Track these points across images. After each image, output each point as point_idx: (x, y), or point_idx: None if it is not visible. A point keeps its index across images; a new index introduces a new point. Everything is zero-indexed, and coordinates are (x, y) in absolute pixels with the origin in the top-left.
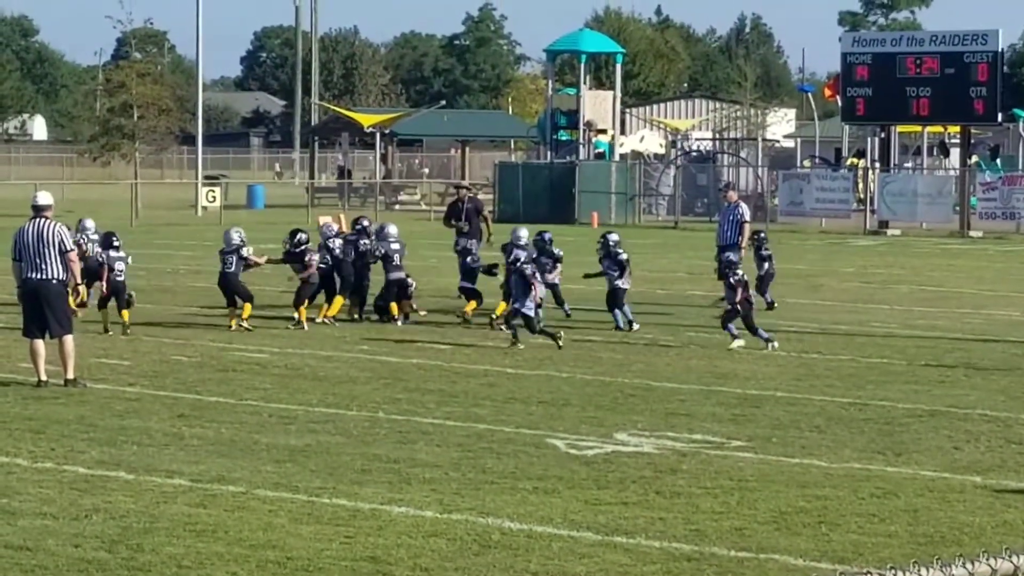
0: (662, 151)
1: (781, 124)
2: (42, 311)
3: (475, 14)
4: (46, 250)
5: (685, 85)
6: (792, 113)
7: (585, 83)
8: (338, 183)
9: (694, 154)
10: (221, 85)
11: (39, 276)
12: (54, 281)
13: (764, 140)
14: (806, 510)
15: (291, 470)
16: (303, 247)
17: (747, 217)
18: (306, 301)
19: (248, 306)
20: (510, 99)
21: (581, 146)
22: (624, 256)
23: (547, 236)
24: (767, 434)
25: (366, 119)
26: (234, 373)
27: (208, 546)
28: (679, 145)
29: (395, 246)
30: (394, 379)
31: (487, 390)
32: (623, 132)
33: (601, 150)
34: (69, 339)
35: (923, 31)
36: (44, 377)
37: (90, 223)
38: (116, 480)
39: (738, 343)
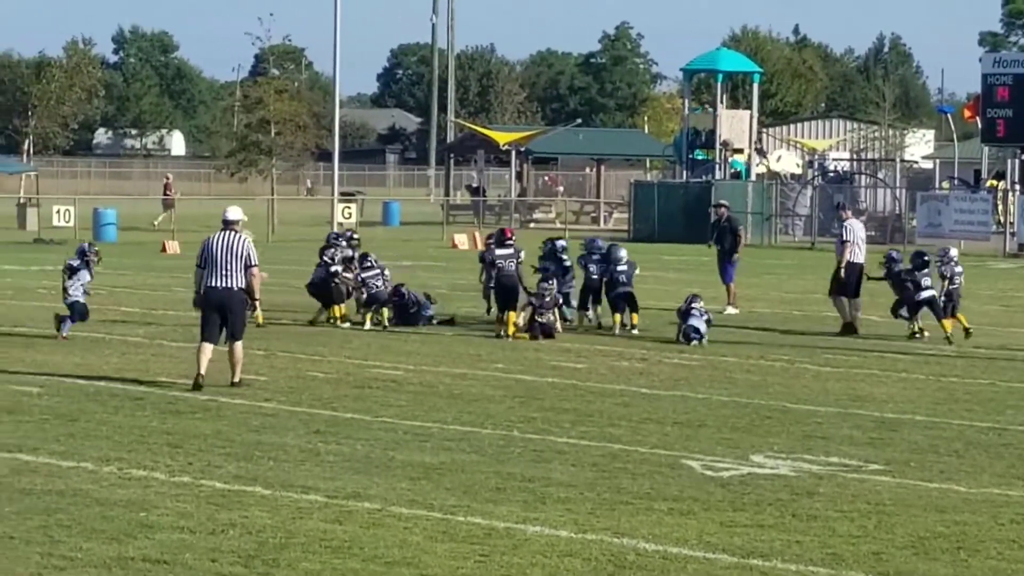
0: (799, 171)
1: (919, 145)
2: (225, 317)
3: (612, 32)
4: (233, 261)
5: (823, 105)
6: (931, 134)
7: (722, 102)
8: (472, 201)
9: (831, 175)
10: (357, 102)
11: (224, 284)
12: (236, 289)
13: (902, 161)
14: (944, 535)
15: (426, 487)
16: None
17: (845, 236)
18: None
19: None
20: (646, 118)
21: (717, 166)
22: (568, 263)
23: (559, 244)
24: (905, 458)
25: (502, 137)
26: (370, 390)
27: (344, 562)
28: (816, 165)
29: (622, 267)
30: (529, 398)
31: (622, 410)
32: (763, 154)
33: (737, 169)
34: (240, 345)
35: None
36: (203, 371)
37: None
38: (253, 495)
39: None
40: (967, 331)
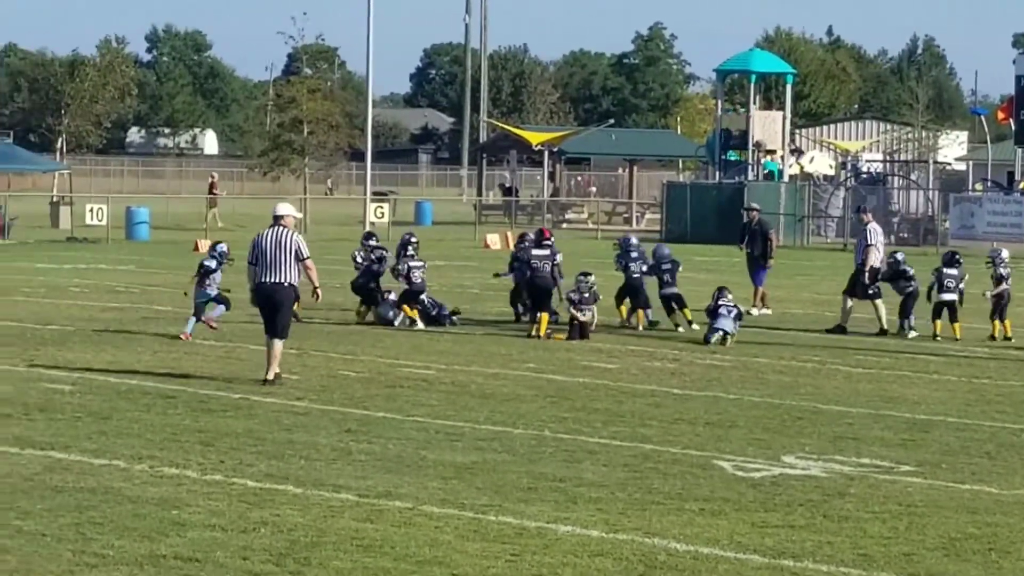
0: (831, 172)
1: (953, 147)
2: (272, 313)
3: (645, 33)
4: (282, 256)
5: (856, 106)
6: (964, 136)
7: (755, 103)
8: (504, 201)
9: (864, 176)
10: (390, 101)
11: (273, 280)
12: (286, 285)
13: (935, 163)
14: (976, 537)
15: (457, 487)
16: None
17: (870, 240)
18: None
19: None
20: (679, 118)
21: (750, 166)
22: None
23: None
24: (936, 459)
25: (534, 137)
26: (401, 389)
27: (375, 561)
28: (849, 167)
29: (667, 266)
30: (561, 398)
31: (654, 410)
32: (799, 153)
33: (770, 171)
34: (280, 344)
35: None
36: (271, 376)
37: None
38: (284, 494)
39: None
40: (1008, 339)
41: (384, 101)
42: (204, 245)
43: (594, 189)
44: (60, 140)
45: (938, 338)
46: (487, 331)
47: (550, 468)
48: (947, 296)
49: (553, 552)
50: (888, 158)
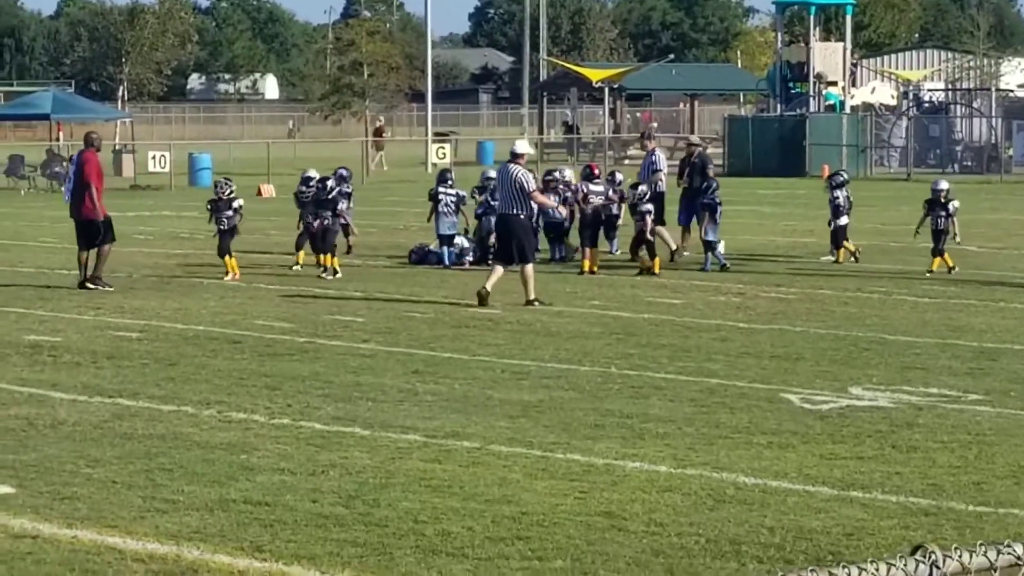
0: (893, 102)
1: (1015, 74)
2: (508, 241)
3: None
4: (510, 190)
5: (916, 35)
6: None
7: (814, 35)
8: (565, 138)
9: (926, 105)
10: (450, 42)
11: (504, 211)
12: (515, 215)
13: (997, 90)
14: None
15: (525, 425)
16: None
17: (660, 165)
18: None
19: None
20: (739, 52)
21: (811, 98)
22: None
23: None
24: (1005, 387)
25: (594, 74)
26: (467, 329)
27: (443, 501)
28: (911, 96)
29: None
30: (626, 334)
31: (720, 344)
32: (854, 84)
33: (831, 102)
34: (529, 267)
35: None
36: (488, 287)
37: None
38: (352, 436)
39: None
40: None
41: (443, 42)
42: (267, 190)
43: (655, 124)
44: (121, 88)
45: (837, 262)
46: (551, 269)
47: (617, 405)
48: (843, 220)
49: (621, 488)
50: (950, 86)
